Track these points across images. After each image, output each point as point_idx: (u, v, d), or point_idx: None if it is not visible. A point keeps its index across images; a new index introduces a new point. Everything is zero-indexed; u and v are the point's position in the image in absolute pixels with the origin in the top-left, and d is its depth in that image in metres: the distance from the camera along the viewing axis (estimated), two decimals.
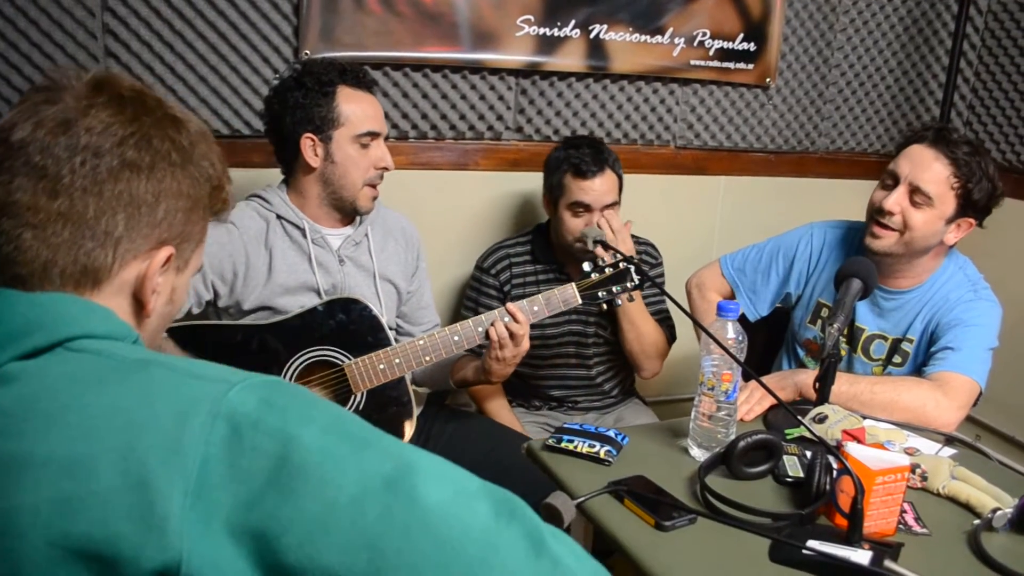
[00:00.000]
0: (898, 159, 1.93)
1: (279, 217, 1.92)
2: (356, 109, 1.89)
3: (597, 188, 2.23)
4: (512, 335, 1.87)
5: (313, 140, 1.88)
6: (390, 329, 2.03)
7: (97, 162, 0.80)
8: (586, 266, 1.94)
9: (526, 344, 1.90)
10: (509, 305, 1.89)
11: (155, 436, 0.68)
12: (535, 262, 2.39)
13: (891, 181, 1.93)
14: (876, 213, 1.92)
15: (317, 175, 1.91)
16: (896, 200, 1.88)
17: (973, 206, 1.88)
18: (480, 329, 1.88)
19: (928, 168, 1.87)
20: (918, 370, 1.95)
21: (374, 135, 1.92)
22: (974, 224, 1.92)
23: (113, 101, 0.83)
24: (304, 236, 1.93)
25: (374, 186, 1.95)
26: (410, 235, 2.14)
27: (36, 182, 0.79)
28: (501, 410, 2.37)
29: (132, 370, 0.74)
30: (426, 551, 0.65)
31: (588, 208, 2.24)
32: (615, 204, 2.28)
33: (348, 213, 1.98)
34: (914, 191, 1.87)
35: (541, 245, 2.41)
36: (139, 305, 0.86)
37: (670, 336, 2.46)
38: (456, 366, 2.10)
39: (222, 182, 0.93)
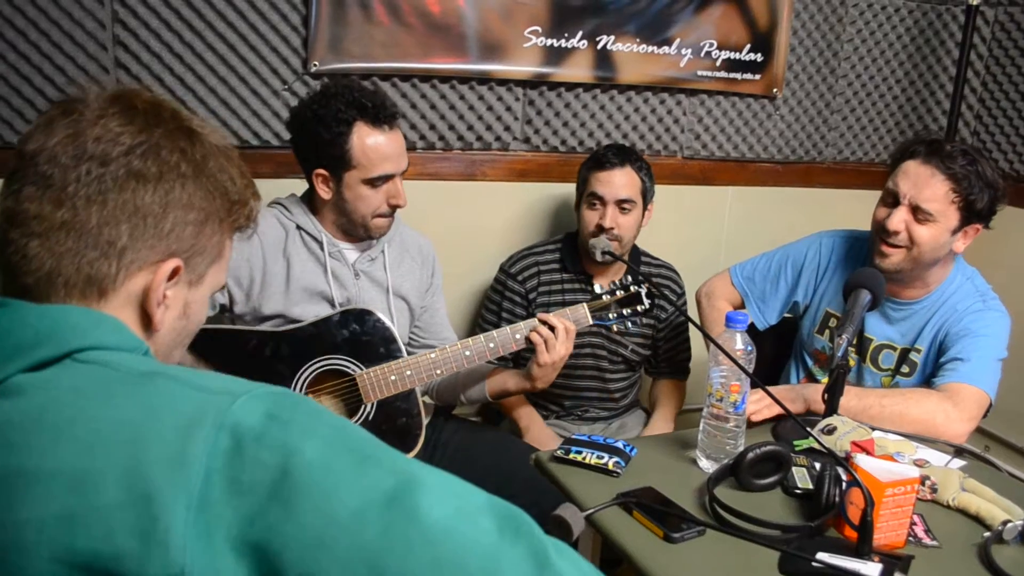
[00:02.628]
0: (896, 177, 1.91)
1: (298, 227, 1.93)
2: (370, 151, 1.84)
3: (613, 181, 2.27)
4: (554, 329, 1.86)
5: (324, 175, 1.88)
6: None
7: (102, 171, 0.80)
8: (598, 288, 1.95)
9: (570, 344, 1.90)
10: (540, 316, 1.90)
11: (159, 450, 0.67)
12: (563, 271, 2.40)
13: (891, 199, 1.92)
14: (881, 232, 1.92)
15: (330, 204, 1.92)
16: (900, 219, 1.88)
17: (977, 214, 1.87)
18: (492, 345, 1.88)
19: (927, 186, 1.85)
20: (926, 380, 1.95)
21: (387, 178, 1.88)
22: (981, 229, 1.91)
23: (125, 112, 0.83)
24: (322, 248, 1.94)
25: (386, 216, 1.93)
26: (426, 253, 2.14)
27: (43, 191, 0.79)
28: (532, 416, 2.38)
29: (138, 382, 0.73)
30: (427, 568, 0.65)
31: (602, 200, 2.27)
32: (631, 202, 2.28)
33: (362, 238, 1.98)
34: (916, 209, 1.86)
35: (570, 253, 2.41)
36: (147, 318, 0.85)
37: (684, 374, 2.53)
38: (491, 380, 2.07)
39: (244, 197, 0.92)
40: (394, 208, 1.93)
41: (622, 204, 2.27)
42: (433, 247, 2.17)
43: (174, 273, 0.85)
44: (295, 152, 1.93)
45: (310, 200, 1.97)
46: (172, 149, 0.84)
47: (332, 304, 1.93)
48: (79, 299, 0.81)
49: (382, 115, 1.86)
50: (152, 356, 0.84)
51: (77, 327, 0.77)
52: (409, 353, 2.08)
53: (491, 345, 1.89)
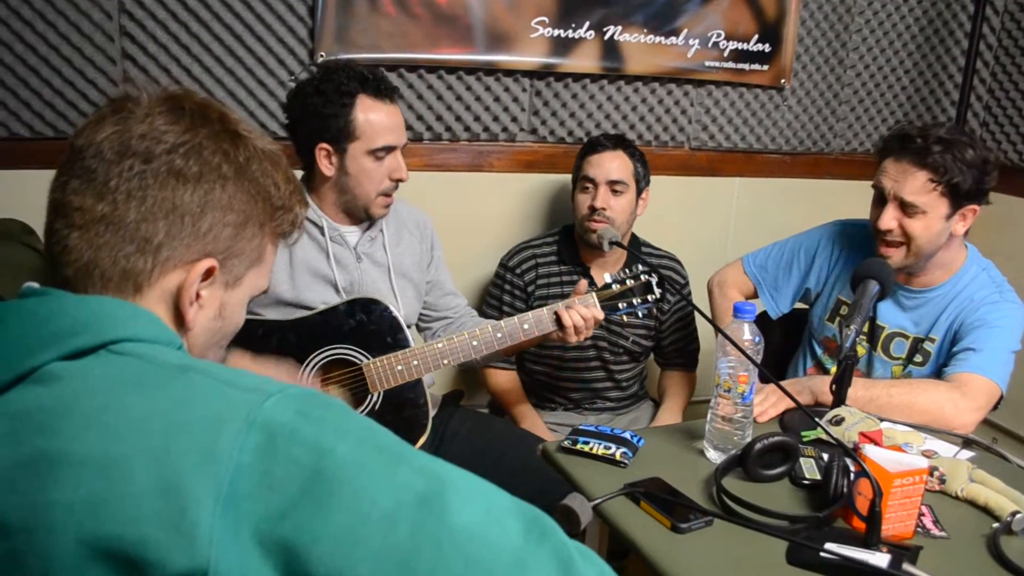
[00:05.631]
0: (879, 175, 1.93)
1: None
2: (374, 122, 1.86)
3: (604, 163, 2.30)
4: (585, 319, 1.90)
5: (328, 150, 1.87)
6: (408, 327, 2.04)
7: (144, 168, 0.81)
8: (607, 277, 1.95)
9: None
10: (546, 311, 1.92)
11: (190, 441, 0.68)
12: (561, 263, 2.41)
13: (879, 197, 1.93)
14: (877, 233, 1.93)
15: (332, 183, 1.91)
16: (891, 216, 1.88)
17: (966, 195, 1.86)
18: (499, 335, 1.89)
19: (906, 180, 1.85)
20: (939, 370, 1.94)
21: (390, 149, 1.89)
22: (978, 209, 1.91)
23: (172, 111, 0.84)
24: (323, 233, 1.94)
25: (388, 195, 1.94)
26: (423, 226, 2.14)
27: (87, 185, 0.81)
28: (525, 408, 2.39)
29: (172, 375, 0.74)
30: (456, 569, 0.66)
31: (594, 183, 2.29)
32: (622, 184, 2.30)
33: (362, 219, 1.98)
34: (903, 203, 1.87)
35: (568, 246, 2.42)
36: (181, 316, 0.85)
37: (693, 365, 2.54)
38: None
39: (288, 203, 0.92)
40: (396, 183, 1.93)
41: (613, 186, 2.29)
42: (430, 220, 2.17)
43: (209, 273, 0.86)
44: (294, 133, 1.92)
45: (308, 185, 1.96)
46: (215, 150, 0.85)
47: (336, 288, 1.93)
48: (115, 292, 0.82)
49: (383, 87, 1.88)
50: (186, 351, 0.85)
51: (114, 318, 0.79)
52: (421, 330, 2.11)
53: (498, 335, 1.89)
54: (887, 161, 1.91)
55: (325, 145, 1.87)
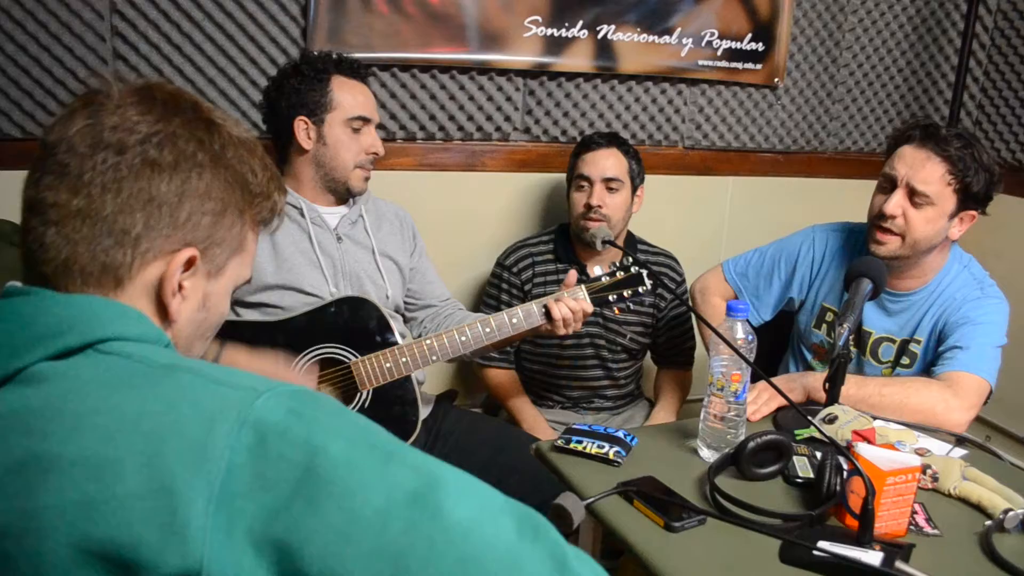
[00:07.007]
0: (892, 161, 1.91)
1: None
2: (348, 96, 1.97)
3: (599, 161, 2.31)
4: (573, 312, 1.91)
5: (306, 123, 1.95)
6: (397, 312, 2.07)
7: (118, 159, 0.80)
8: (596, 270, 1.95)
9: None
10: (535, 305, 1.92)
11: (181, 442, 0.67)
12: (557, 261, 2.41)
13: (888, 184, 1.92)
14: (877, 218, 1.91)
15: (310, 157, 1.97)
16: (896, 203, 1.87)
17: (973, 198, 1.86)
18: (488, 330, 1.89)
19: (922, 168, 1.85)
20: (927, 370, 1.94)
21: (365, 120, 1.99)
22: (976, 216, 1.91)
23: (144, 101, 0.83)
24: (303, 215, 1.97)
25: (365, 168, 2.02)
26: (403, 217, 2.19)
27: (60, 180, 0.80)
28: (525, 406, 2.39)
29: (161, 375, 0.73)
30: (450, 567, 0.65)
31: (589, 181, 2.30)
32: (617, 181, 2.31)
33: (342, 195, 2.03)
34: (912, 192, 1.86)
35: (564, 244, 2.43)
36: (164, 308, 0.84)
37: (688, 364, 2.54)
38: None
39: (267, 190, 0.91)
40: (372, 158, 2.01)
41: (609, 183, 2.30)
42: (411, 216, 2.21)
43: (190, 263, 0.85)
44: (272, 118, 2.00)
45: (284, 170, 2.01)
46: (189, 139, 0.83)
47: (321, 268, 1.94)
48: (96, 288, 0.81)
49: (358, 67, 2.02)
50: (174, 349, 0.84)
51: (100, 317, 0.78)
52: (407, 320, 2.12)
53: (487, 330, 1.89)
54: (905, 147, 1.89)
55: (303, 118, 1.95)
